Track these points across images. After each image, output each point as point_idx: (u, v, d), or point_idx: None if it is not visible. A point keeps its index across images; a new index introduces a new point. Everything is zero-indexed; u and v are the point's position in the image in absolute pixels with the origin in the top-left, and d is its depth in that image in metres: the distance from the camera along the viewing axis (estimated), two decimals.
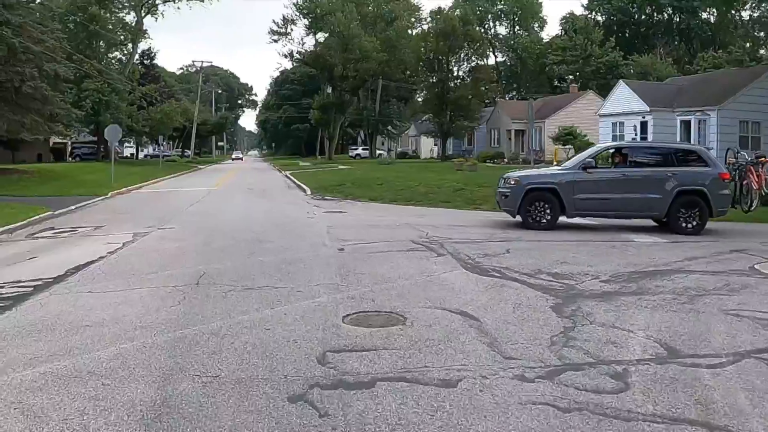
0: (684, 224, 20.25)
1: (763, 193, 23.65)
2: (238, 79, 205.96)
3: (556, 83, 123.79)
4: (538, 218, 20.70)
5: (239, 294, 11.39)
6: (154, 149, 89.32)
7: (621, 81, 59.88)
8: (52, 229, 21.88)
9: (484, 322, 9.61)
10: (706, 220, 20.45)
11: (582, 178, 20.76)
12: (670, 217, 20.40)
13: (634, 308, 10.59)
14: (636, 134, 52.84)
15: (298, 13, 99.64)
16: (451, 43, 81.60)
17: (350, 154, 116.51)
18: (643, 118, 52.45)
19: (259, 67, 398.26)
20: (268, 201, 32.47)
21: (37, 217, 24.10)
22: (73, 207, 28.16)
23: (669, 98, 53.12)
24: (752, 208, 23.55)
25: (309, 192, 37.87)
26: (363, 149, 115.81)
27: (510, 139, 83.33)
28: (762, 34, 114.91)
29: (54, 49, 48.27)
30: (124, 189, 38.99)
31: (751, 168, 23.61)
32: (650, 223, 21.96)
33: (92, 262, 14.75)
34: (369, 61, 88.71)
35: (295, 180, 48.68)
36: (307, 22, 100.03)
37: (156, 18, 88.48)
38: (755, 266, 14.45)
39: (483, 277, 12.90)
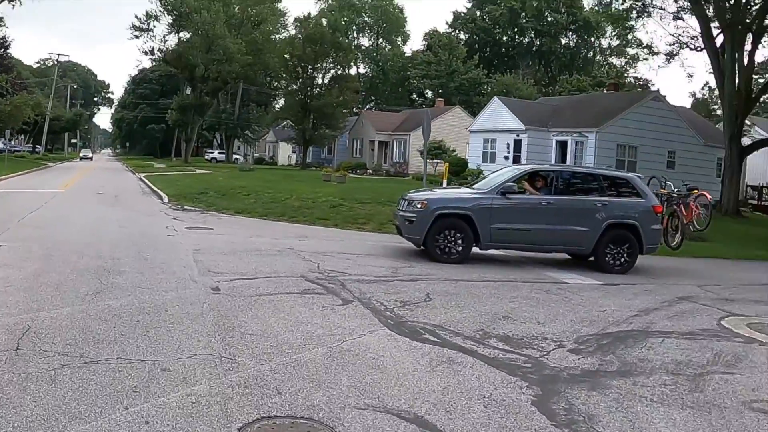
0: (612, 262, 17.66)
1: (692, 229, 20.98)
2: (96, 76, 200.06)
3: (415, 97, 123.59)
4: (448, 249, 17.40)
5: (75, 374, 7.46)
6: (4, 143, 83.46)
7: (496, 98, 58.75)
8: None
9: None
10: (636, 258, 17.91)
11: (501, 205, 17.51)
12: (597, 253, 17.75)
13: (639, 402, 7.77)
14: (509, 152, 51.97)
15: (162, 9, 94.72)
16: (319, 49, 78.84)
17: (206, 157, 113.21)
18: (518, 136, 51.37)
19: (118, 64, 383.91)
20: (121, 210, 27.85)
21: None
22: None
23: (544, 118, 52.63)
24: (679, 245, 21.02)
25: (167, 200, 33.28)
26: (219, 153, 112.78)
27: (373, 150, 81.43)
28: (618, 61, 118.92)
29: None
30: None
31: (682, 201, 20.88)
32: (561, 255, 19.08)
33: None
34: (232, 63, 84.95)
35: (151, 185, 43.88)
36: (171, 19, 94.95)
37: (13, 5, 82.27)
38: (722, 323, 12.37)
39: (418, 344, 9.51)
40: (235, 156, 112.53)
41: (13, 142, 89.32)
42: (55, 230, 19.93)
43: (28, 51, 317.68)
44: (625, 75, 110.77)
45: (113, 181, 52.46)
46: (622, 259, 17.65)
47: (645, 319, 12.32)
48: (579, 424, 6.97)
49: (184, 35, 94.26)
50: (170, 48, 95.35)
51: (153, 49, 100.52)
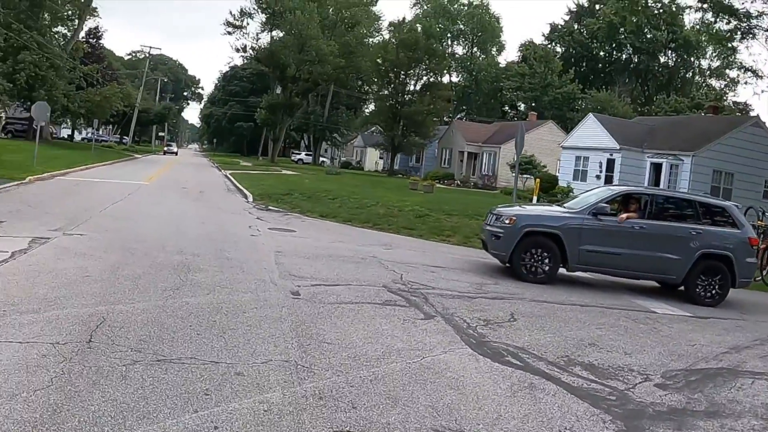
0: (703, 293, 17.01)
1: None
2: (186, 70, 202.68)
3: (507, 109, 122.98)
4: (534, 269, 16.95)
5: (147, 372, 7.40)
6: (92, 133, 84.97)
7: (591, 114, 57.86)
8: None
9: None
10: (728, 291, 17.21)
11: (592, 226, 16.99)
12: (688, 283, 17.09)
13: None
14: (601, 171, 51.01)
15: (256, 7, 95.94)
16: (412, 55, 78.82)
17: (293, 158, 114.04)
18: (611, 155, 50.47)
19: (209, 60, 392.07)
20: (204, 206, 28.01)
21: None
22: None
23: (639, 138, 51.67)
24: None
25: (251, 199, 33.48)
26: (306, 154, 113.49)
27: (462, 160, 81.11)
28: (718, 84, 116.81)
29: None
30: (46, 174, 34.36)
31: None
32: (650, 283, 18.62)
33: None
34: (324, 65, 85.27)
35: (237, 182, 44.23)
36: (264, 18, 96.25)
37: None
38: None
39: (500, 367, 9.21)
40: (321, 158, 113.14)
41: (101, 132, 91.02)
42: (136, 223, 20.11)
43: (120, 43, 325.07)
44: (725, 98, 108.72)
45: (198, 176, 53.03)
46: (714, 291, 17.01)
47: (736, 357, 11.80)
48: None
49: (277, 34, 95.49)
50: (262, 46, 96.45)
51: (245, 46, 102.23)
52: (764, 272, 20.20)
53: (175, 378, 7.32)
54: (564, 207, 18.71)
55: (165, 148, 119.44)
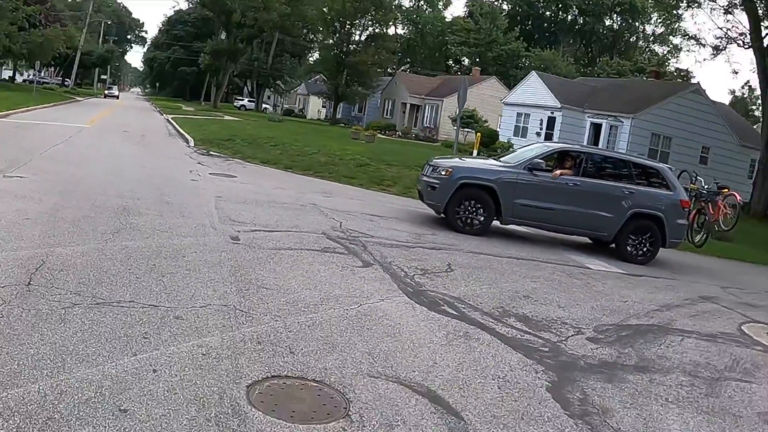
0: (633, 251, 17.38)
1: (717, 228, 20.59)
2: (131, 13, 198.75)
3: (451, 63, 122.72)
4: (468, 220, 17.05)
5: (86, 315, 7.35)
6: (33, 74, 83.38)
7: (534, 72, 58.26)
8: None
9: (468, 421, 6.17)
10: (657, 250, 17.63)
11: (526, 180, 17.10)
12: (619, 240, 17.48)
13: (654, 401, 7.58)
14: (542, 128, 51.56)
15: None
16: (359, 5, 78.19)
17: (236, 104, 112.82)
18: (552, 113, 50.85)
19: (154, 4, 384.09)
20: (146, 151, 27.67)
21: None
22: None
23: (581, 98, 52.05)
24: (703, 243, 20.81)
25: (192, 144, 33.03)
26: (249, 101, 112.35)
27: (404, 112, 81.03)
28: (661, 50, 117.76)
29: None
30: None
31: (711, 198, 20.55)
32: (584, 239, 18.92)
33: None
34: (270, 12, 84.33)
35: (178, 127, 43.65)
36: None
37: None
38: (743, 328, 12.03)
39: (436, 315, 9.31)
40: (264, 105, 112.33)
41: (42, 74, 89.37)
42: (77, 165, 19.81)
43: None
44: (667, 64, 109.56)
45: (140, 120, 52.32)
46: (644, 250, 17.40)
47: (666, 315, 12.01)
48: (592, 416, 6.80)
49: None
50: None
51: None
52: (695, 234, 20.51)
53: (114, 321, 7.28)
54: (500, 161, 18.67)
55: (106, 92, 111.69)
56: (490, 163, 18.77)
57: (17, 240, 10.21)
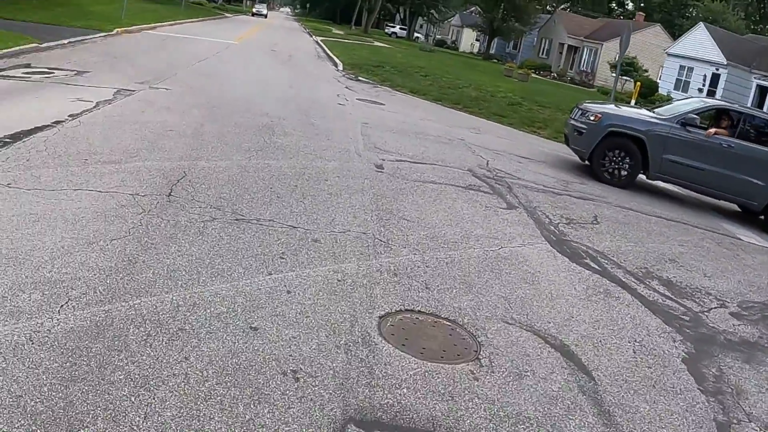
0: None
1: None
2: None
3: (614, 5, 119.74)
4: (613, 171, 16.62)
5: (224, 230, 7.57)
6: None
7: (701, 23, 56.04)
8: (28, 66, 17.74)
9: (599, 382, 6.08)
10: None
11: (678, 135, 16.31)
12: (766, 213, 16.43)
13: None
14: (704, 85, 49.62)
15: None
16: None
17: (387, 30, 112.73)
18: (717, 70, 48.95)
19: None
20: (293, 71, 27.96)
21: (15, 48, 19.93)
22: (65, 41, 23.85)
23: (749, 56, 49.39)
24: None
25: (341, 68, 33.20)
26: (401, 28, 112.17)
27: (561, 53, 79.50)
28: None
29: None
30: (134, 27, 34.62)
31: None
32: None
33: (41, 128, 10.89)
34: None
35: (328, 50, 43.93)
36: None
37: None
38: None
39: (577, 268, 9.13)
40: (416, 34, 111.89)
41: None
42: (223, 82, 20.26)
43: None
44: None
45: (289, 40, 52.91)
46: None
47: None
48: (726, 396, 6.56)
49: None
50: None
51: None
52: None
53: (252, 238, 7.46)
54: (654, 113, 17.95)
55: (254, 10, 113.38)
56: (642, 113, 18.10)
57: (161, 151, 10.54)
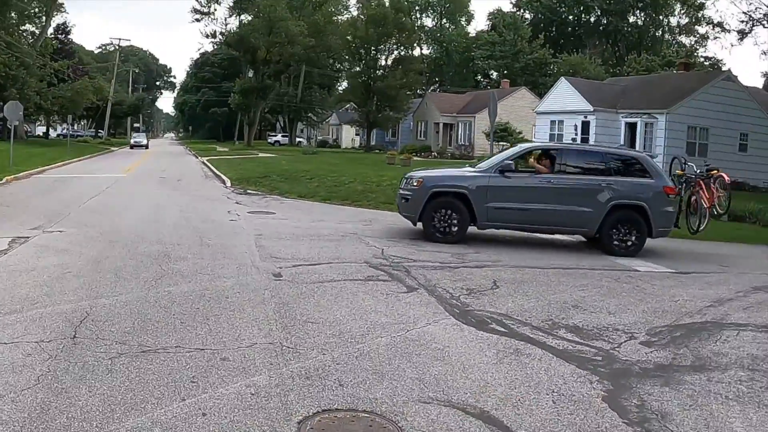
0: (619, 244, 17.26)
1: (715, 213, 20.13)
2: (158, 60, 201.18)
3: (479, 78, 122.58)
4: (443, 229, 17.34)
5: (132, 363, 7.39)
6: (67, 128, 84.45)
7: (563, 78, 57.34)
8: None
9: None
10: (644, 241, 17.46)
11: (498, 184, 17.37)
12: (602, 234, 17.36)
13: (714, 400, 7.41)
14: (577, 134, 50.63)
15: None
16: (382, 30, 78.53)
17: (269, 140, 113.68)
18: (585, 117, 50.07)
19: (179, 48, 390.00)
20: (183, 194, 27.88)
21: None
22: None
23: (613, 98, 51.11)
24: (701, 229, 20.03)
25: (229, 184, 33.25)
26: (282, 136, 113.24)
27: (438, 132, 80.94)
28: (688, 41, 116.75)
29: None
30: (22, 174, 34.11)
31: (701, 182, 20.07)
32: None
33: None
34: (294, 46, 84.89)
35: (214, 168, 43.87)
36: (231, 2, 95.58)
37: None
38: None
39: (485, 335, 9.21)
40: (298, 139, 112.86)
41: (76, 127, 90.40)
42: (116, 215, 20.05)
43: (89, 36, 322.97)
44: (695, 54, 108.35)
45: (176, 165, 52.70)
46: (630, 242, 17.22)
47: (720, 310, 11.82)
48: (652, 422, 6.68)
49: (246, 18, 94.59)
50: (232, 31, 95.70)
51: (215, 32, 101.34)
52: (691, 221, 20.00)
53: (161, 367, 7.31)
54: (475, 168, 18.92)
55: (132, 141, 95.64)
56: (462, 171, 19.48)
57: (60, 294, 10.33)
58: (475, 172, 18.24)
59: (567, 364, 8.16)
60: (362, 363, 7.77)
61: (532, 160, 18.36)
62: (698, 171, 20.82)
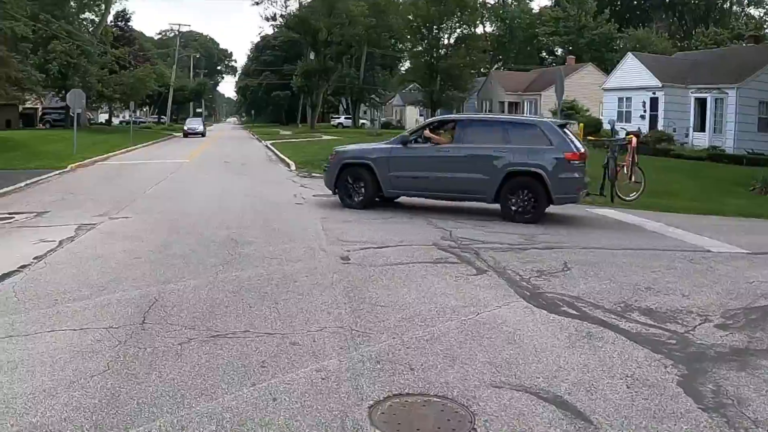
0: (517, 209, 17.48)
1: (625, 182, 20.22)
2: (218, 44, 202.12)
3: (544, 55, 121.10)
4: (351, 195, 19.18)
5: (202, 348, 7.48)
6: (129, 115, 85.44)
7: (630, 53, 56.60)
8: None
9: (598, 425, 5.97)
10: (543, 208, 17.60)
11: (399, 155, 18.80)
12: (500, 200, 17.77)
13: None
14: (645, 110, 50.03)
15: None
16: (443, 8, 78.03)
17: (333, 122, 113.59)
18: (654, 93, 49.39)
19: (240, 32, 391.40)
20: (248, 178, 28.09)
21: None
22: (21, 184, 23.92)
23: (681, 74, 50.13)
24: (630, 198, 20.12)
25: (294, 167, 33.59)
26: (346, 118, 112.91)
27: (503, 111, 79.99)
28: (757, 12, 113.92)
29: (12, 5, 43.88)
30: (87, 161, 34.75)
31: (617, 149, 20.39)
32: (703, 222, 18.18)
33: (8, 275, 10.82)
34: (355, 26, 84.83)
35: (278, 152, 44.21)
36: None
37: None
38: None
39: (556, 317, 9.07)
40: (361, 121, 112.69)
41: (138, 114, 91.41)
42: (181, 201, 20.32)
43: (149, 23, 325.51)
44: (765, 26, 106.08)
45: (239, 149, 53.14)
46: (529, 208, 17.38)
47: None
48: (727, 408, 6.48)
49: None
50: (291, 13, 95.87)
51: (274, 15, 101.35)
52: (611, 189, 19.74)
53: (231, 352, 7.37)
54: (387, 141, 20.58)
55: (185, 128, 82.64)
56: (373, 144, 21.49)
57: (128, 280, 10.47)
58: (382, 145, 20.13)
59: (641, 347, 8.00)
60: (433, 347, 7.73)
61: (427, 131, 19.13)
62: (618, 137, 20.88)
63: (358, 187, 18.94)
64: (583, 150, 17.82)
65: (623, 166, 20.24)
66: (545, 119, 19.22)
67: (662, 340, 8.32)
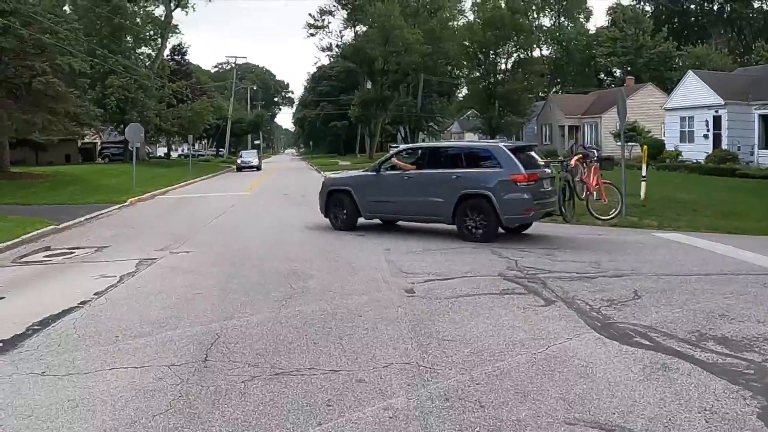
0: (470, 229, 18.36)
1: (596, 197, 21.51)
2: (274, 76, 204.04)
3: (602, 76, 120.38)
4: (336, 218, 20.96)
5: (266, 387, 7.37)
6: (188, 148, 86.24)
7: (690, 71, 55.89)
8: (48, 249, 18.14)
9: None
10: (494, 228, 18.29)
11: (372, 181, 20.43)
12: (456, 222, 18.66)
13: None
14: (708, 130, 49.25)
15: (336, 4, 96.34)
16: (499, 33, 77.92)
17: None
18: (716, 112, 48.76)
19: (295, 63, 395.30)
20: (307, 210, 27.83)
21: (35, 232, 20.32)
22: (82, 219, 24.28)
23: (743, 90, 49.30)
24: (571, 219, 20.83)
25: None
26: None
27: (563, 135, 79.54)
28: None
29: (69, 41, 44.58)
30: (146, 195, 35.21)
31: (577, 165, 21.14)
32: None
33: (69, 311, 10.94)
34: (411, 54, 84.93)
35: None
36: (345, 14, 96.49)
37: (186, 11, 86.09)
38: None
39: (629, 349, 8.77)
40: None
41: (197, 147, 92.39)
42: (241, 234, 20.39)
43: (205, 56, 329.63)
44: None
45: (298, 180, 53.23)
46: (481, 229, 18.15)
47: None
48: None
49: (360, 29, 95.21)
50: (347, 43, 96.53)
51: (330, 45, 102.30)
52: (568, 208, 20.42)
53: (295, 391, 7.25)
54: (364, 169, 23.07)
55: (239, 161, 78.57)
56: (355, 172, 24.21)
57: (190, 316, 10.44)
58: (361, 171, 22.59)
59: (718, 379, 7.72)
60: (503, 382, 7.54)
61: (394, 159, 20.59)
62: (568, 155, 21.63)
63: (341, 211, 20.77)
64: (534, 172, 18.27)
65: (584, 186, 21.45)
66: (500, 144, 19.53)
67: (739, 370, 8.03)
